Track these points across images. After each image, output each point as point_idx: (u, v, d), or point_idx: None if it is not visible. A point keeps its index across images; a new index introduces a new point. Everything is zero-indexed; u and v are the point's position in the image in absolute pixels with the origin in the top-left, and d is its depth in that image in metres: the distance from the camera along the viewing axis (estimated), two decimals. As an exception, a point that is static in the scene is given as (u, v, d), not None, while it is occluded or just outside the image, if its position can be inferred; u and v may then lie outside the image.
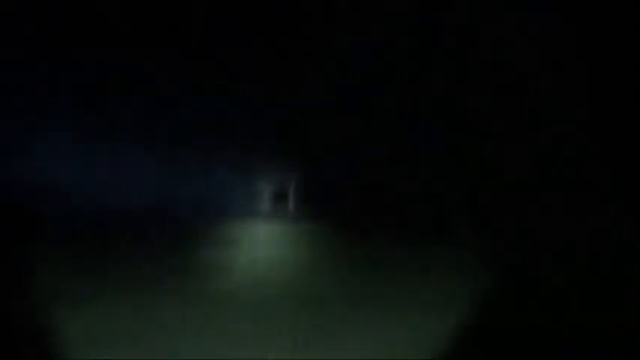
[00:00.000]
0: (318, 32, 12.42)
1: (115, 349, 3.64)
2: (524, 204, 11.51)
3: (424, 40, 11.98)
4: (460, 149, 14.63)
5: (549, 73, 10.42)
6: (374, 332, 4.06)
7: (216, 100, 13.37)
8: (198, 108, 13.49)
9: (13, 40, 10.64)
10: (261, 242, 9.77)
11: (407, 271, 6.65)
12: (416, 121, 14.63)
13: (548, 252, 7.63)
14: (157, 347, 3.71)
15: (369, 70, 13.60)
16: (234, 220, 13.41)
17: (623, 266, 6.26)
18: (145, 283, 5.78)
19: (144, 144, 13.77)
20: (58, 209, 11.09)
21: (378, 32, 12.67)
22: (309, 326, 4.17)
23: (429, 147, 15.06)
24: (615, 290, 5.25)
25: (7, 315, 4.23)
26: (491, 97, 13.32)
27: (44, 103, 11.77)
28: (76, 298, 4.85)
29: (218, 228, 11.83)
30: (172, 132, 13.81)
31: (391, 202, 15.19)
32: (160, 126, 13.71)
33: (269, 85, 13.37)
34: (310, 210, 16.24)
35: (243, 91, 13.23)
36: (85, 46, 11.23)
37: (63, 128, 12.34)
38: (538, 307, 4.70)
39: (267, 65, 13.18)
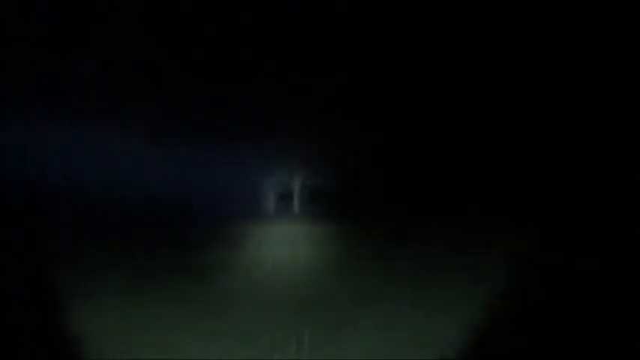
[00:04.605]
0: (325, 38, 12.44)
1: (121, 346, 3.66)
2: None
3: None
4: (464, 147, 14.63)
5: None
6: (381, 331, 4.08)
7: (224, 102, 13.40)
8: (206, 111, 13.51)
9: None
10: (267, 241, 9.78)
11: (414, 270, 6.67)
12: (419, 121, 14.65)
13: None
14: (161, 346, 3.73)
15: (371, 71, 13.62)
16: (241, 220, 13.42)
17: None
18: (149, 281, 5.81)
19: (152, 145, 13.78)
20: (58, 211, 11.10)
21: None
22: (315, 326, 4.19)
23: (432, 147, 15.07)
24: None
25: (22, 315, 4.26)
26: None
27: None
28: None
29: (225, 228, 11.83)
30: (182, 135, 13.84)
31: (394, 201, 15.21)
32: (170, 128, 13.72)
33: (276, 88, 13.40)
34: (315, 209, 16.28)
35: (250, 93, 13.25)
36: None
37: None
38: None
39: (274, 69, 13.21)
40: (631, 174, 10.37)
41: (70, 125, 12.48)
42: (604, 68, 11.21)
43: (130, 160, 13.59)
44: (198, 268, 6.82)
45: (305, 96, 13.64)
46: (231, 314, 4.58)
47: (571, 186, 11.58)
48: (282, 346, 3.73)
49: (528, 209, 11.61)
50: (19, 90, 11.90)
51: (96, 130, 12.90)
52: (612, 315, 4.39)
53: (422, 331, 4.07)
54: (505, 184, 13.36)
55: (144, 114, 13.33)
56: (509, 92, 13.36)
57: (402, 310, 4.70)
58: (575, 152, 12.15)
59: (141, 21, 12.58)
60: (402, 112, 14.65)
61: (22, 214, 10.44)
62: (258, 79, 13.42)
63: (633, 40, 10.48)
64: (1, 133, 11.65)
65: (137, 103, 13.10)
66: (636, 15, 10.30)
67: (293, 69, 13.35)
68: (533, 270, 6.33)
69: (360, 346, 3.75)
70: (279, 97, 13.72)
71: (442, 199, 14.75)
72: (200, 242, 9.52)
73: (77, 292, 5.12)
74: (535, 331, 4.01)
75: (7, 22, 11.22)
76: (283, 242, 9.91)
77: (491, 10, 12.44)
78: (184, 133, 14.07)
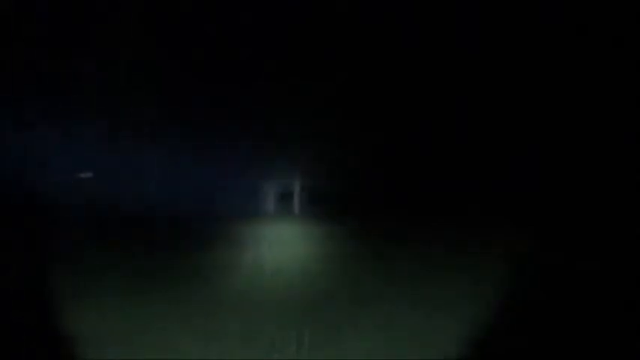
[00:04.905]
0: (325, 38, 12.42)
1: (121, 347, 3.67)
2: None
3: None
4: (461, 147, 14.63)
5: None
6: (381, 331, 4.08)
7: (224, 102, 13.39)
8: (206, 111, 13.50)
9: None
10: (267, 241, 9.79)
11: (414, 270, 6.67)
12: (419, 121, 14.64)
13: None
14: (161, 346, 3.73)
15: (371, 71, 13.60)
16: (241, 220, 13.44)
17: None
18: (149, 281, 5.81)
19: (152, 144, 13.77)
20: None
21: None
22: (315, 326, 4.19)
23: (432, 147, 15.07)
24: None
25: (21, 315, 4.26)
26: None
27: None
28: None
29: (225, 228, 11.84)
30: (182, 135, 13.84)
31: (396, 201, 15.21)
32: (169, 128, 13.72)
33: (276, 88, 13.39)
34: (315, 209, 16.28)
35: (250, 93, 13.24)
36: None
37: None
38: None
39: (274, 69, 13.20)
40: (631, 174, 10.36)
41: (69, 125, 12.48)
42: (604, 68, 11.20)
43: (129, 159, 13.58)
44: (197, 268, 6.83)
45: (305, 96, 13.64)
46: (232, 314, 4.58)
47: (571, 186, 11.57)
48: (282, 346, 3.73)
49: (528, 209, 11.61)
50: (19, 90, 11.90)
51: (95, 130, 12.90)
52: (612, 315, 4.39)
53: (422, 331, 4.07)
54: (505, 184, 13.35)
55: (143, 114, 13.33)
56: (509, 92, 13.35)
57: (402, 310, 4.70)
58: (575, 152, 12.14)
59: (141, 21, 12.57)
60: (402, 112, 14.64)
61: (22, 214, 10.44)
62: (258, 79, 13.42)
63: (633, 40, 10.48)
64: (0, 133, 11.66)
65: (136, 103, 13.10)
66: (636, 15, 10.30)
67: (293, 69, 13.34)
68: (533, 270, 6.33)
69: (360, 346, 3.75)
70: (279, 97, 13.71)
71: (442, 199, 14.74)
72: (199, 242, 9.53)
73: (77, 292, 5.12)
74: (535, 331, 4.01)
75: (7, 22, 11.23)
76: (283, 242, 9.91)
77: (492, 10, 12.43)
78: (184, 133, 14.07)
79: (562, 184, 11.84)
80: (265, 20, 12.60)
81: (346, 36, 12.89)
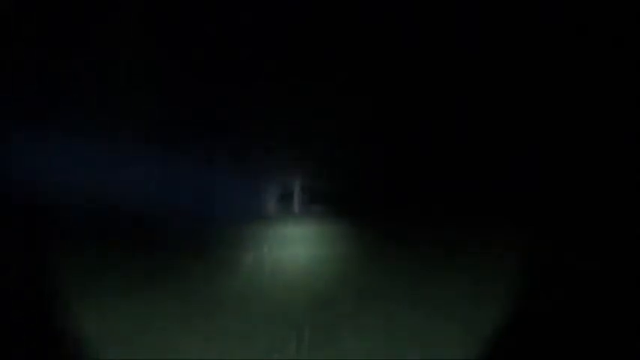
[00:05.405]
0: (325, 38, 12.41)
1: (121, 347, 3.67)
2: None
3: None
4: (460, 149, 14.63)
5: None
6: (381, 331, 4.09)
7: (224, 102, 13.38)
8: (206, 111, 13.49)
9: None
10: (266, 242, 9.78)
11: (414, 270, 6.67)
12: (420, 121, 14.64)
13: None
14: (161, 346, 3.73)
15: (371, 71, 13.60)
16: (240, 220, 13.42)
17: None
18: (150, 281, 5.81)
19: (154, 147, 13.77)
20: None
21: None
22: (315, 326, 4.19)
23: (432, 147, 15.06)
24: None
25: (27, 314, 4.26)
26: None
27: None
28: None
29: (223, 227, 11.82)
30: (184, 137, 13.83)
31: (394, 200, 15.20)
32: (169, 128, 13.71)
33: (276, 88, 13.39)
34: (315, 209, 16.25)
35: (250, 93, 13.23)
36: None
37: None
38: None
39: (274, 69, 13.19)
40: (631, 174, 10.36)
41: (69, 125, 12.47)
42: (604, 68, 11.20)
43: (128, 159, 13.58)
44: (196, 268, 6.82)
45: (305, 96, 13.64)
46: (232, 314, 4.58)
47: (571, 186, 11.57)
48: (282, 346, 3.73)
49: (528, 209, 11.60)
50: (18, 90, 11.89)
51: (94, 130, 12.89)
52: (612, 315, 4.39)
53: (422, 331, 4.07)
54: (505, 184, 13.34)
55: (143, 114, 13.32)
56: (509, 92, 13.35)
57: (402, 310, 4.70)
58: (575, 152, 12.14)
59: (141, 21, 12.57)
60: (402, 111, 14.65)
61: (22, 215, 10.44)
62: (258, 79, 13.41)
63: (633, 40, 10.48)
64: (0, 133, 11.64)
65: (136, 102, 13.09)
66: (636, 15, 10.30)
67: (293, 69, 13.35)
68: (533, 270, 6.33)
69: (360, 346, 3.75)
70: (279, 97, 13.71)
71: (442, 199, 14.72)
72: (198, 242, 9.52)
73: (77, 292, 5.12)
74: (535, 331, 4.02)
75: (7, 22, 11.22)
76: (282, 242, 9.91)
77: (492, 10, 12.44)
78: (183, 133, 14.06)
79: (562, 184, 11.83)
80: (265, 20, 12.60)
81: (346, 36, 12.88)
